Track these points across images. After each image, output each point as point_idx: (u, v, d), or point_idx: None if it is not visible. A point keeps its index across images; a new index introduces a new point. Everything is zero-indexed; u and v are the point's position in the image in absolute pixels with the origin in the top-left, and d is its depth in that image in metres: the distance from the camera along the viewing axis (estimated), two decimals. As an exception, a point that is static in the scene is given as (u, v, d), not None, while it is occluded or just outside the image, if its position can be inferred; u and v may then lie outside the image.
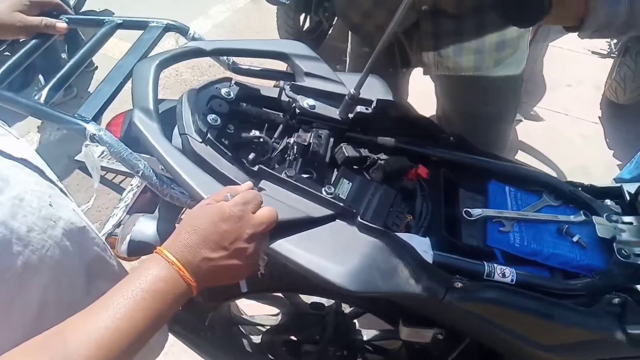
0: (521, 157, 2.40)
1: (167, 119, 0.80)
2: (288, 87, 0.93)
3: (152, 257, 0.58)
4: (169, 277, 0.56)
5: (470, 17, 1.08)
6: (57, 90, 0.77)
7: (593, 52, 3.11)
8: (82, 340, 0.49)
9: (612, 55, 2.93)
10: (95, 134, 0.71)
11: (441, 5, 1.06)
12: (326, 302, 1.08)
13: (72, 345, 0.48)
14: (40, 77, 2.60)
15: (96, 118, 0.75)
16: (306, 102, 0.90)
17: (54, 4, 0.94)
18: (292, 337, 1.22)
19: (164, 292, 0.55)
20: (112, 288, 0.55)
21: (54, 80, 0.78)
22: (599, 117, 2.68)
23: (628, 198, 0.90)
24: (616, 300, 0.74)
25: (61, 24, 0.90)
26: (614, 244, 0.81)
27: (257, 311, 1.30)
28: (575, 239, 0.81)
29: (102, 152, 0.75)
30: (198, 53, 0.89)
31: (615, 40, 2.92)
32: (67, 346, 0.48)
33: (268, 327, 1.25)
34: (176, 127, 0.80)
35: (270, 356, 1.24)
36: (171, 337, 1.10)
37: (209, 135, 0.78)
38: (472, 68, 1.15)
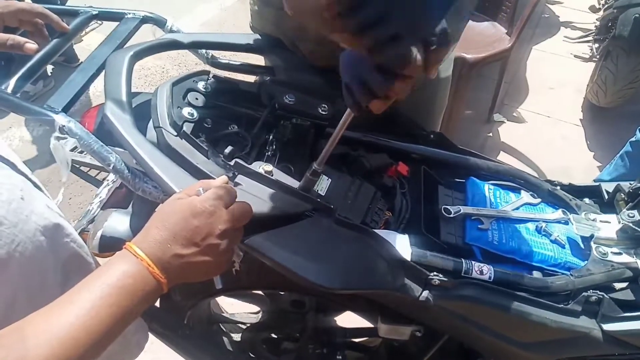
0: (503, 158, 2.42)
1: (142, 113, 0.78)
2: (267, 81, 0.91)
3: (121, 253, 0.56)
4: (138, 274, 0.54)
5: None
6: (27, 80, 0.74)
7: (575, 56, 3.15)
8: (43, 337, 0.46)
9: (594, 59, 2.97)
10: (64, 126, 0.68)
11: None
12: (307, 300, 1.07)
13: (30, 342, 0.45)
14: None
15: (67, 109, 0.72)
16: (286, 97, 0.88)
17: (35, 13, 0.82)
18: (273, 335, 1.21)
19: (132, 289, 0.53)
20: (78, 283, 0.52)
21: (23, 69, 0.75)
22: (580, 119, 2.71)
23: (606, 197, 0.90)
24: (593, 298, 0.74)
25: (31, 45, 0.77)
26: (592, 242, 0.81)
27: (238, 309, 1.29)
28: (553, 237, 0.81)
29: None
30: (175, 45, 0.87)
31: (597, 45, 2.96)
32: (25, 344, 0.45)
33: (248, 325, 1.23)
34: (151, 121, 0.78)
35: (250, 354, 1.22)
36: (151, 335, 1.08)
37: (184, 128, 0.76)
38: None
